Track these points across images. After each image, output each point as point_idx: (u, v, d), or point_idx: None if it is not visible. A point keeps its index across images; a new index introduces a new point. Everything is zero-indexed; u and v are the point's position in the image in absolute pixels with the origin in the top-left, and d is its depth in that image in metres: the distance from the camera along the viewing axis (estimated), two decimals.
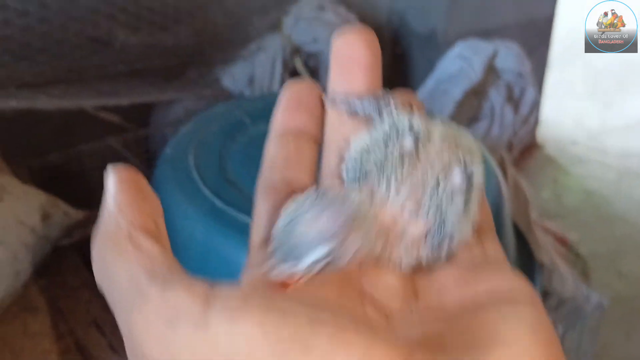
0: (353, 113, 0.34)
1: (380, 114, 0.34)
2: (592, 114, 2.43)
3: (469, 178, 0.31)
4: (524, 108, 1.68)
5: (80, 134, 1.55)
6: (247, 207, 1.00)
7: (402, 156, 0.32)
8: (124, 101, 1.43)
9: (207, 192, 1.03)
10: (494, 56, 1.63)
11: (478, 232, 0.33)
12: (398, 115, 0.33)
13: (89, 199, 1.36)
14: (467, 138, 0.33)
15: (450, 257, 0.32)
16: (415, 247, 0.31)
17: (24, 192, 1.11)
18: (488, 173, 1.09)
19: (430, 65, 1.81)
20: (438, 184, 0.31)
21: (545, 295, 1.15)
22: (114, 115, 1.54)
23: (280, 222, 0.30)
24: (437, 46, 1.84)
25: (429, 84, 1.68)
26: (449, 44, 1.80)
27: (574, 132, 2.31)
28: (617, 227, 1.92)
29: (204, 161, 1.08)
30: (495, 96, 1.64)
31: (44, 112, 1.37)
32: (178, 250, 0.94)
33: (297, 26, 1.70)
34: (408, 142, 0.32)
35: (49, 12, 1.36)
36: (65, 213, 1.14)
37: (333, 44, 0.35)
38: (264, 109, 1.23)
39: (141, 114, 1.63)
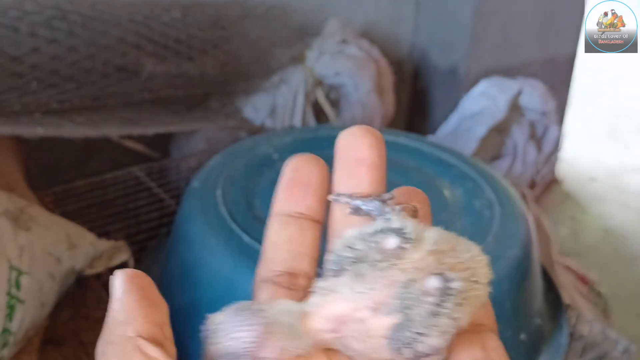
0: (356, 212, 0.34)
1: (383, 214, 0.34)
2: (611, 153, 2.43)
3: (446, 286, 0.31)
4: (547, 146, 1.68)
5: (105, 162, 1.55)
6: None
7: (381, 255, 0.31)
8: (149, 130, 1.43)
9: (235, 227, 1.02)
10: (518, 94, 1.64)
11: (479, 332, 0.33)
12: (394, 216, 0.33)
13: (112, 227, 1.37)
14: (471, 250, 0.32)
15: None
16: (375, 344, 0.31)
17: (51, 221, 1.10)
18: (516, 215, 1.08)
19: (451, 102, 1.81)
20: (408, 285, 0.31)
21: (571, 337, 1.14)
22: (139, 143, 1.55)
23: (206, 331, 0.31)
24: (458, 82, 1.84)
25: (452, 121, 1.68)
26: (470, 80, 1.80)
27: (592, 169, 2.30)
28: (636, 268, 1.90)
29: (232, 196, 1.08)
30: (519, 134, 1.64)
31: (69, 140, 1.38)
32: (204, 287, 0.94)
33: (319, 59, 1.71)
34: (390, 243, 0.32)
35: (77, 41, 1.37)
36: (90, 243, 1.14)
37: (338, 141, 0.35)
38: (292, 143, 1.24)
39: (165, 143, 1.64)
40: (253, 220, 1.05)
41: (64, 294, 1.09)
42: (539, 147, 1.68)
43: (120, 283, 0.29)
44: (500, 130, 1.63)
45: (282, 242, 0.34)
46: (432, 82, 1.92)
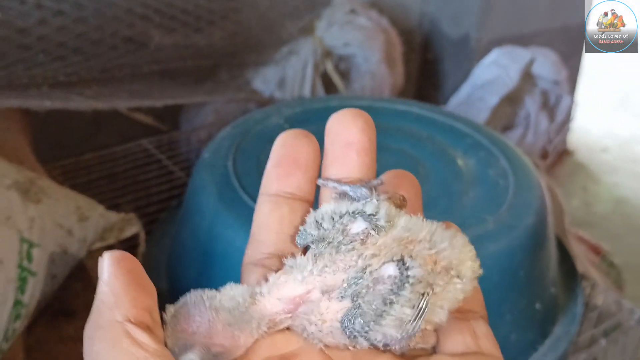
0: (343, 198, 0.34)
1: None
2: (623, 123, 2.41)
3: (404, 274, 0.30)
4: (559, 116, 1.66)
5: (114, 135, 1.55)
6: None
7: (345, 238, 0.31)
8: (158, 103, 1.42)
9: (246, 198, 1.02)
10: (530, 63, 1.62)
11: (469, 319, 0.32)
12: (373, 202, 0.32)
13: (122, 200, 1.36)
14: (452, 243, 0.32)
15: (374, 347, 0.31)
16: (329, 329, 0.31)
17: (61, 194, 1.10)
18: (530, 184, 1.07)
19: (462, 71, 1.79)
20: (364, 271, 0.30)
21: (585, 307, 1.13)
22: (148, 116, 1.54)
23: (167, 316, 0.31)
24: (469, 52, 1.82)
25: (464, 90, 1.66)
26: (481, 49, 1.78)
27: (604, 140, 2.29)
28: None
29: (243, 167, 1.07)
30: (531, 103, 1.62)
31: (77, 113, 1.37)
32: (216, 258, 0.93)
33: (329, 30, 1.69)
34: (356, 227, 0.31)
35: (84, 13, 1.35)
36: (101, 215, 1.13)
37: (329, 124, 0.34)
38: (302, 114, 1.23)
39: (175, 116, 1.63)
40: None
41: (76, 267, 1.09)
42: (552, 117, 1.66)
43: (107, 266, 0.28)
44: (512, 100, 1.62)
45: (272, 224, 0.34)
46: (443, 52, 1.89)
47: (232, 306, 0.31)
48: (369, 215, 0.31)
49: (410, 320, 0.30)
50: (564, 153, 2.06)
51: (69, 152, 1.48)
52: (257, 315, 0.31)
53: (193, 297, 0.31)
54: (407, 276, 0.30)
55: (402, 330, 0.30)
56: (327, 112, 1.16)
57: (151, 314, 0.28)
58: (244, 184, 1.04)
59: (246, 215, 1.01)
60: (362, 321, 0.30)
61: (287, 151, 0.34)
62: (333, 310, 0.30)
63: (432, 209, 0.95)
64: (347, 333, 0.30)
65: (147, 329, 0.28)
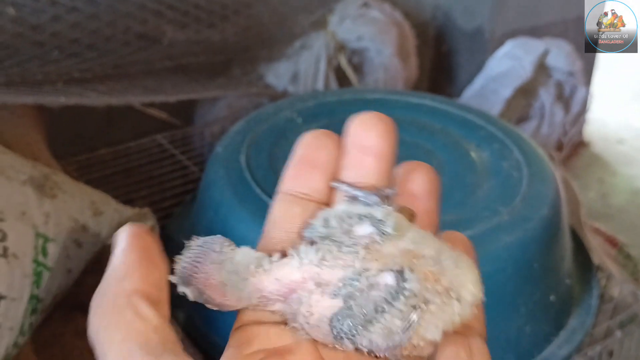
0: (354, 201, 0.33)
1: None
2: (639, 114, 2.39)
3: (399, 285, 0.30)
4: (575, 107, 1.65)
5: (127, 130, 1.55)
6: None
7: (350, 240, 0.31)
8: (171, 98, 1.43)
9: (259, 192, 1.02)
10: (544, 54, 1.61)
11: (466, 335, 0.32)
12: (382, 206, 0.32)
13: (137, 195, 1.37)
14: (458, 265, 0.31)
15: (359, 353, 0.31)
16: (317, 322, 0.30)
17: (76, 189, 1.10)
18: (545, 176, 1.06)
19: (476, 64, 1.78)
20: (361, 274, 0.30)
21: (601, 299, 1.12)
22: (162, 111, 1.55)
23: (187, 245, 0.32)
24: (482, 44, 1.81)
25: (477, 82, 1.65)
26: (495, 41, 1.77)
27: (620, 131, 2.27)
28: None
29: (256, 161, 1.08)
30: (545, 95, 1.61)
31: (92, 108, 1.38)
32: None
33: (342, 23, 1.69)
34: (362, 230, 0.31)
35: (98, 9, 1.36)
36: (116, 210, 1.14)
37: (349, 126, 0.34)
38: (315, 107, 1.23)
39: (188, 111, 1.63)
40: (277, 185, 1.04)
41: (91, 260, 1.09)
42: (567, 108, 1.65)
43: (123, 239, 0.29)
44: (526, 92, 1.61)
45: (282, 222, 0.34)
46: (456, 45, 1.89)
47: (233, 270, 0.31)
48: (378, 220, 0.31)
49: (398, 332, 0.29)
50: (580, 145, 2.04)
51: (84, 147, 1.49)
52: (251, 288, 0.31)
53: (210, 244, 0.32)
54: (404, 288, 0.29)
55: (389, 340, 0.30)
56: (340, 105, 1.16)
57: (160, 290, 0.29)
58: (257, 178, 1.04)
59: (259, 209, 1.01)
60: (350, 323, 0.30)
61: (306, 151, 0.34)
62: (323, 305, 0.30)
63: (446, 201, 0.94)
64: (334, 332, 0.30)
65: (153, 303, 0.28)
